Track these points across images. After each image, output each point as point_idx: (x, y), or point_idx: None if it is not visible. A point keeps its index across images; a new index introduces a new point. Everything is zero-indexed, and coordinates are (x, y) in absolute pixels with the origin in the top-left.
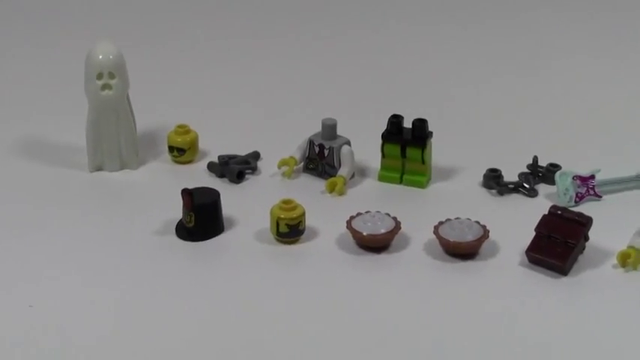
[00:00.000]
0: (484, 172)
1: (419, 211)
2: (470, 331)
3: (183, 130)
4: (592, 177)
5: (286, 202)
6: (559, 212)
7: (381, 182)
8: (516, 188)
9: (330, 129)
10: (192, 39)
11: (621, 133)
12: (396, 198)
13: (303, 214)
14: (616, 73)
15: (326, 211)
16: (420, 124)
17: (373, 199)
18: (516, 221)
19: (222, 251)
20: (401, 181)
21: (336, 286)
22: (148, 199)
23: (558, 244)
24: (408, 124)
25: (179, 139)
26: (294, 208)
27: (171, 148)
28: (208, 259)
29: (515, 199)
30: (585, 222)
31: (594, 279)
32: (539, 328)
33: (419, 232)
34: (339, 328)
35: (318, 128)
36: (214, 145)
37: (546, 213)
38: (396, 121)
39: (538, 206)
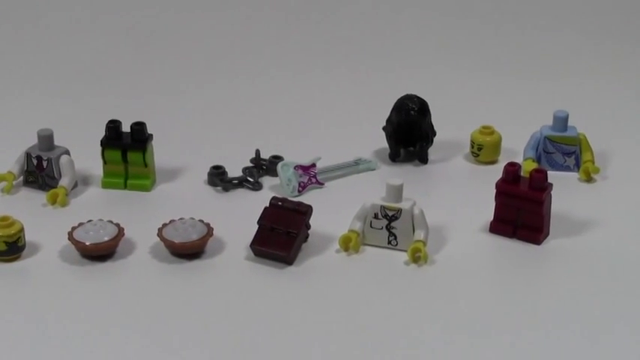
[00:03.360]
0: (208, 169)
1: (145, 215)
2: (202, 329)
3: None
4: (313, 166)
5: (2, 219)
6: (279, 203)
7: (105, 189)
8: (241, 183)
9: (46, 140)
10: None
11: (338, 120)
12: (121, 203)
13: (22, 229)
14: (329, 67)
15: (49, 224)
16: (139, 128)
17: (98, 206)
18: (242, 216)
19: None
20: (125, 186)
21: (62, 299)
22: None
23: (281, 234)
24: (127, 128)
25: None
26: (11, 224)
27: None
28: None
29: (241, 193)
30: (305, 211)
31: (319, 265)
32: (269, 319)
33: (145, 236)
34: (81, 337)
35: (36, 140)
36: None
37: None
38: (113, 126)
39: (263, 199)
